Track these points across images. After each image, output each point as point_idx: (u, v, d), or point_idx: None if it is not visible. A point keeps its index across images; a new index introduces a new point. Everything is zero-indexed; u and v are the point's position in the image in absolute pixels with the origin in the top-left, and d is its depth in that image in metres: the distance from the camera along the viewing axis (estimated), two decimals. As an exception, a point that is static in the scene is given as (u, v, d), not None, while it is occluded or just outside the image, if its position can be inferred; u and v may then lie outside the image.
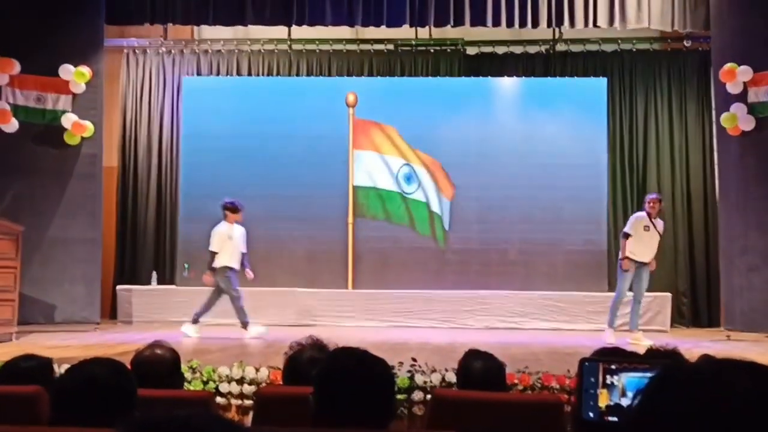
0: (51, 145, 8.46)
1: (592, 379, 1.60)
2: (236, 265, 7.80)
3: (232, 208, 7.95)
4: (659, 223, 7.87)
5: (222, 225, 7.92)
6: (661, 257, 9.87)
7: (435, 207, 9.77)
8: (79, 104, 8.57)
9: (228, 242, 7.78)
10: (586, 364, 1.62)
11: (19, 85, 8.32)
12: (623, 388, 1.59)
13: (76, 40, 8.54)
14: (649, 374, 1.59)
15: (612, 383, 1.60)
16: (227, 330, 8.28)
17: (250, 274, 7.98)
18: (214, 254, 7.75)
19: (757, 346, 7.17)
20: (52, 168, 8.46)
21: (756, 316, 8.04)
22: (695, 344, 7.12)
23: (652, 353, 2.43)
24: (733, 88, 8.19)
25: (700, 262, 9.83)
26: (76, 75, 8.43)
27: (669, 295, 9.25)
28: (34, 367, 2.53)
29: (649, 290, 9.73)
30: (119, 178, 10.34)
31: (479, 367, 2.78)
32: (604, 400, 1.60)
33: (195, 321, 7.74)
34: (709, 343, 7.68)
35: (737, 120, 8.16)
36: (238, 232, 7.93)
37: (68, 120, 8.45)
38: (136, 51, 10.50)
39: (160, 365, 2.70)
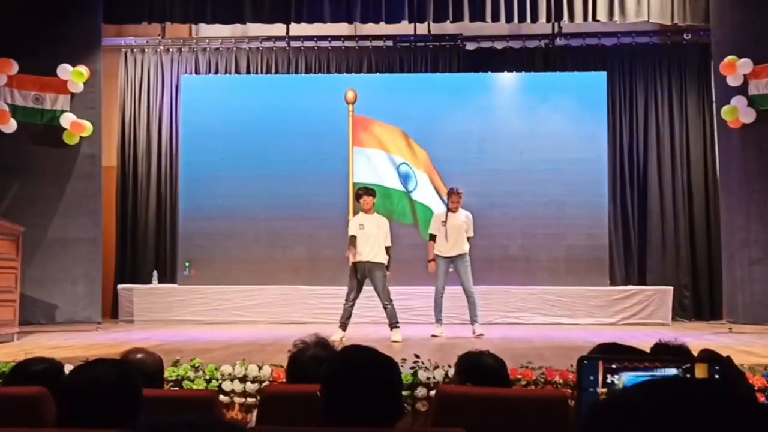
0: (50, 145, 8.45)
1: (591, 378, 1.58)
2: (374, 258, 7.04)
3: (357, 194, 7.19)
4: (459, 215, 7.63)
5: (359, 214, 7.26)
6: (662, 251, 9.92)
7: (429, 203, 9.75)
8: (77, 104, 8.55)
9: (359, 232, 7.05)
10: (585, 362, 1.60)
11: (17, 86, 8.30)
12: (624, 387, 1.56)
13: (74, 39, 8.52)
14: (649, 374, 1.57)
15: (612, 382, 1.58)
16: (228, 329, 8.30)
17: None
18: (350, 238, 7.07)
19: (759, 339, 7.16)
20: (51, 168, 8.45)
21: (758, 308, 8.05)
22: (697, 337, 7.11)
23: (660, 348, 2.41)
24: (733, 80, 8.18)
25: (701, 255, 9.84)
26: (74, 75, 8.41)
27: (670, 288, 9.26)
28: (43, 369, 2.52)
29: (651, 283, 9.75)
30: (119, 177, 10.33)
31: (480, 365, 2.76)
32: None
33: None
34: (711, 335, 7.68)
35: (738, 113, 8.15)
36: (376, 222, 7.12)
37: (67, 120, 8.43)
38: (134, 50, 10.49)
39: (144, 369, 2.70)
